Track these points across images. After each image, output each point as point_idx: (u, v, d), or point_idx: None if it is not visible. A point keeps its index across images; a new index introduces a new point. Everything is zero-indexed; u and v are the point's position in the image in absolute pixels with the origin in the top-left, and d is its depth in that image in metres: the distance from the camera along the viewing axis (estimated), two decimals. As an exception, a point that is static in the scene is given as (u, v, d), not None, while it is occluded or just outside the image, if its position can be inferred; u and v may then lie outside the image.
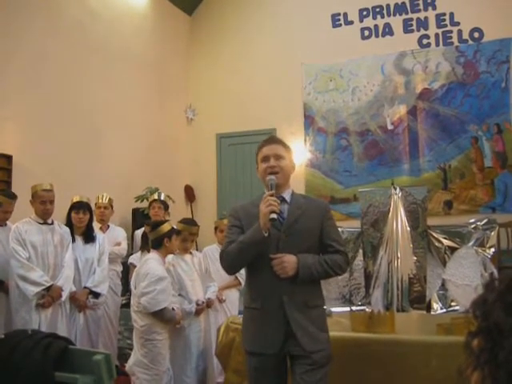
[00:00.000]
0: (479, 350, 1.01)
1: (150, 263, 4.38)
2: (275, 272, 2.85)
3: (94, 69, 7.61)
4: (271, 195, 2.84)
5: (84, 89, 7.39)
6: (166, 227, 4.54)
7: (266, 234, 2.80)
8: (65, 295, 4.76)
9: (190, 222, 5.08)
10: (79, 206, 5.19)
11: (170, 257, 4.75)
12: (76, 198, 5.30)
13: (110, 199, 6.16)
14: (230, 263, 3.01)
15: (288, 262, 2.83)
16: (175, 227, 4.77)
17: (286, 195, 3.05)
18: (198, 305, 4.70)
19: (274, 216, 2.77)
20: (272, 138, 3.23)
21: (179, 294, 4.67)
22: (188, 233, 4.83)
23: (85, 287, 5.09)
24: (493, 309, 1.00)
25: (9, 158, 6.20)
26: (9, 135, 6.27)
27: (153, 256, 4.47)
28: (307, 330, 2.84)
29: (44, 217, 4.85)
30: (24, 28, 6.46)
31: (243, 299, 3.10)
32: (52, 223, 4.93)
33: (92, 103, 7.52)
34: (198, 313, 4.71)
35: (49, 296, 4.61)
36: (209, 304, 4.97)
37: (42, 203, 4.80)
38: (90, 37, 7.57)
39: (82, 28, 7.44)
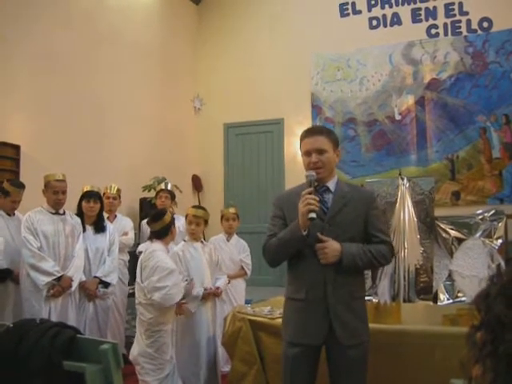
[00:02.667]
0: (481, 343, 1.01)
1: (157, 255, 4.37)
2: (320, 261, 2.83)
3: (102, 59, 7.62)
4: (309, 193, 2.76)
5: (92, 79, 7.41)
6: (169, 216, 4.57)
7: (305, 233, 2.75)
8: (75, 285, 4.77)
9: (196, 206, 5.11)
10: (90, 195, 5.20)
11: (181, 244, 4.78)
12: (87, 188, 5.31)
13: (118, 189, 6.17)
14: (271, 258, 2.98)
15: (330, 248, 2.80)
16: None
17: (331, 184, 2.98)
18: (205, 289, 4.70)
19: (314, 215, 2.70)
20: (313, 129, 3.15)
21: (185, 280, 4.68)
22: (192, 215, 4.82)
23: (95, 277, 5.10)
24: (495, 302, 1.00)
25: (17, 147, 6.24)
26: (17, 125, 6.30)
27: (158, 247, 4.46)
28: (347, 323, 2.83)
29: (56, 207, 4.86)
30: (33, 17, 6.48)
31: (285, 290, 3.06)
32: (64, 213, 4.94)
33: (100, 93, 7.54)
34: (204, 298, 4.70)
35: (59, 286, 4.64)
36: (216, 293, 4.95)
37: (55, 193, 4.81)
38: (98, 26, 7.58)
39: (90, 18, 7.45)
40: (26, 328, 2.26)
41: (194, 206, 5.04)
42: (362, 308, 2.94)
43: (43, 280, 4.57)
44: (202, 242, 4.95)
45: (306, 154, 2.96)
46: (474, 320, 1.06)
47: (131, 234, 6.23)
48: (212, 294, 4.84)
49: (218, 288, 4.91)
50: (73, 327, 2.33)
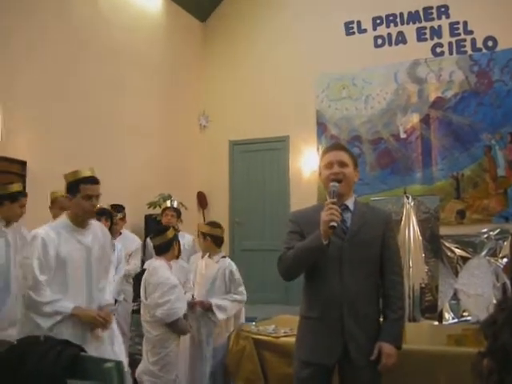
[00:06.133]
0: (488, 371, 1.00)
1: (159, 272, 4.37)
2: (338, 281, 2.83)
3: (108, 75, 7.66)
4: (333, 203, 2.74)
5: (98, 95, 7.44)
6: (171, 232, 4.59)
7: (326, 242, 2.71)
8: None
9: (207, 222, 5.20)
10: (101, 213, 5.17)
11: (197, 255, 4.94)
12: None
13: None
14: (286, 269, 2.93)
15: (391, 357, 2.82)
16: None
17: (350, 203, 2.97)
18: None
19: (334, 224, 2.67)
20: (336, 145, 3.19)
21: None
22: (198, 230, 4.90)
23: None
24: (502, 331, 0.99)
25: (23, 163, 6.25)
26: (23, 141, 6.32)
27: (160, 263, 4.46)
28: (362, 343, 2.82)
29: None
30: (38, 33, 6.54)
31: (300, 308, 3.04)
32: None
33: (106, 110, 7.57)
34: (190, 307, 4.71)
35: None
36: (202, 305, 4.82)
37: (61, 209, 4.79)
38: (103, 43, 7.63)
39: (96, 34, 7.51)
40: (30, 346, 2.26)
41: (205, 222, 5.13)
42: (376, 329, 2.92)
43: None
44: (211, 258, 4.93)
45: (328, 165, 2.96)
46: (480, 346, 1.05)
47: (136, 260, 6.16)
48: (199, 305, 4.78)
49: (202, 302, 4.81)
50: (77, 345, 2.33)
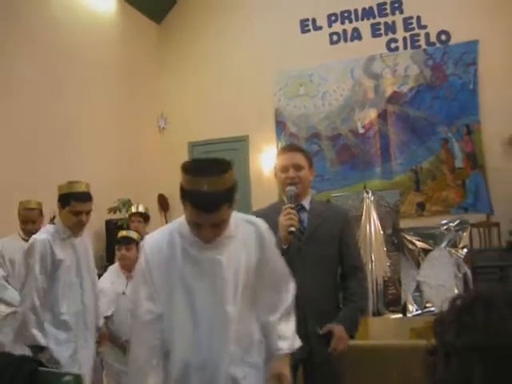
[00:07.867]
0: (433, 367, 1.01)
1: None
2: (299, 281, 2.76)
3: (61, 79, 7.51)
4: (291, 208, 2.79)
5: (51, 99, 7.29)
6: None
7: (285, 247, 2.75)
8: None
9: None
10: None
11: None
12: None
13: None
14: None
15: (342, 340, 2.81)
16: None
17: (305, 203, 3.01)
18: None
19: (293, 229, 2.73)
20: (291, 146, 3.23)
21: None
22: None
23: None
24: (447, 329, 0.99)
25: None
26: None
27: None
28: (321, 338, 2.83)
29: (26, 235, 4.77)
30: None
31: None
32: None
33: (60, 114, 7.42)
34: None
35: None
36: None
37: (23, 223, 4.79)
38: (56, 46, 7.46)
39: (48, 37, 7.34)
40: (-14, 362, 2.21)
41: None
42: None
43: (3, 311, 4.44)
44: None
45: (283, 169, 2.99)
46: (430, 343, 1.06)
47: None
48: None
49: None
50: (35, 360, 2.28)
